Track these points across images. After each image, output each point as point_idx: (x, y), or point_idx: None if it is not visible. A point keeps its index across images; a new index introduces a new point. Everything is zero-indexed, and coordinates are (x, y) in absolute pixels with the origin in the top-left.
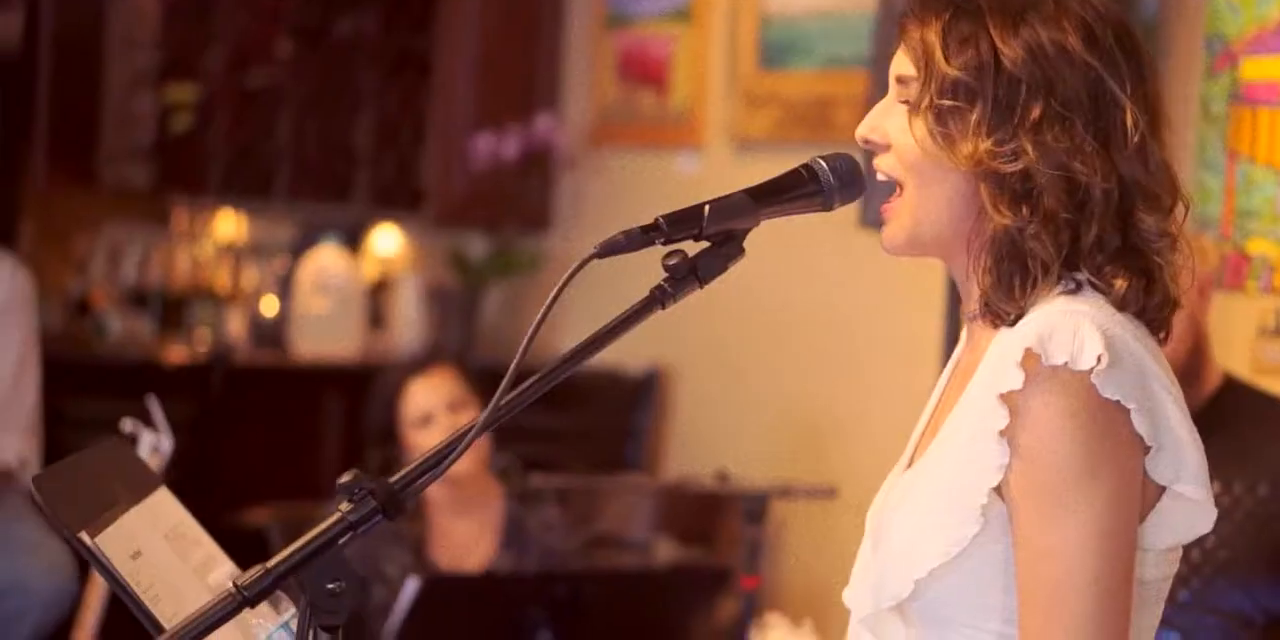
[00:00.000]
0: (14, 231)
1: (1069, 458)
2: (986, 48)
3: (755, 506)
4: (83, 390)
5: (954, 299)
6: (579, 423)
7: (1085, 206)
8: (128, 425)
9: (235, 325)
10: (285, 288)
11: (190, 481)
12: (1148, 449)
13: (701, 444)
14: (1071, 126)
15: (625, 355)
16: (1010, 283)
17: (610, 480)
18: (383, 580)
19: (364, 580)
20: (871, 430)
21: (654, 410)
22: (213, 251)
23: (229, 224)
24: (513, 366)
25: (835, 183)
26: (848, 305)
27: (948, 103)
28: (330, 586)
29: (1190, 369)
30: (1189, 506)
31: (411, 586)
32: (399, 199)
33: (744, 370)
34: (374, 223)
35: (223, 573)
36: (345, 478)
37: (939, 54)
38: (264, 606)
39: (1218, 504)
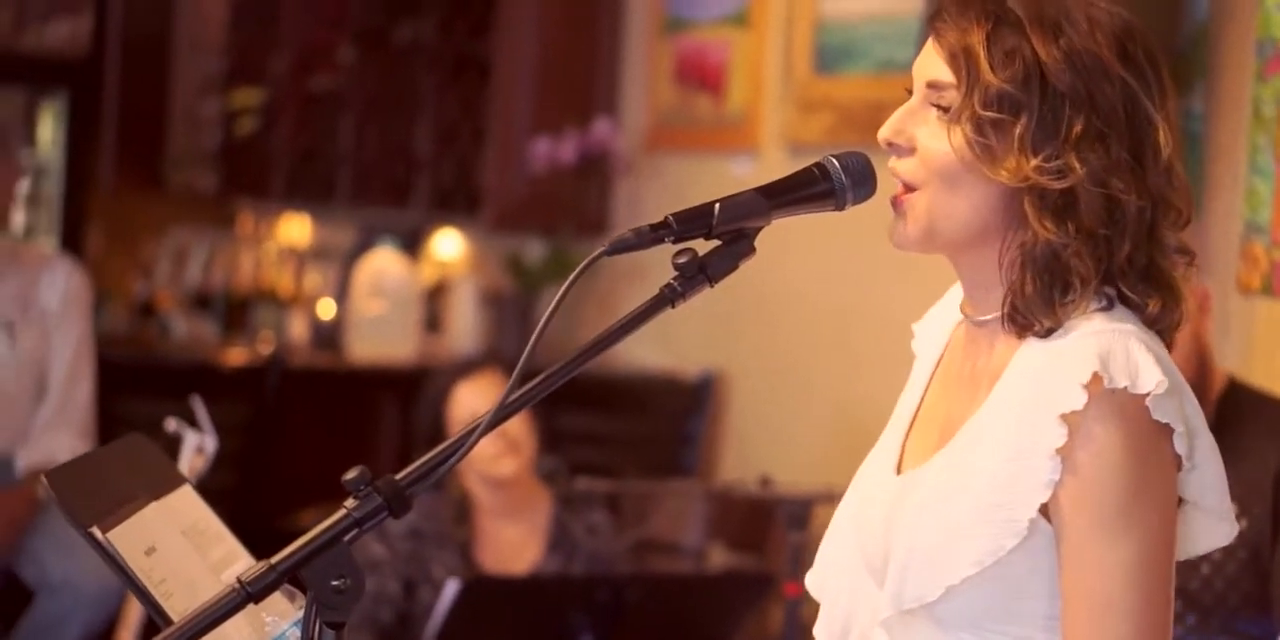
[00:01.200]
0: (82, 235)
1: (1126, 479)
2: (1031, 60)
3: (798, 512)
4: (144, 391)
5: None
6: (635, 428)
7: (1120, 223)
8: (171, 425)
9: (297, 328)
10: (343, 291)
11: (245, 483)
12: (1181, 467)
13: (756, 449)
14: (1109, 142)
15: (681, 360)
16: (1050, 295)
17: (655, 484)
18: (430, 583)
19: (363, 579)
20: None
21: (709, 415)
22: (276, 255)
23: (293, 227)
24: (520, 364)
25: (848, 181)
26: (899, 310)
27: (991, 114)
28: (335, 583)
29: (1197, 384)
30: (1207, 519)
31: (452, 588)
32: (458, 203)
33: (799, 375)
34: (433, 226)
35: (240, 569)
36: (351, 474)
37: (984, 63)
38: (283, 603)
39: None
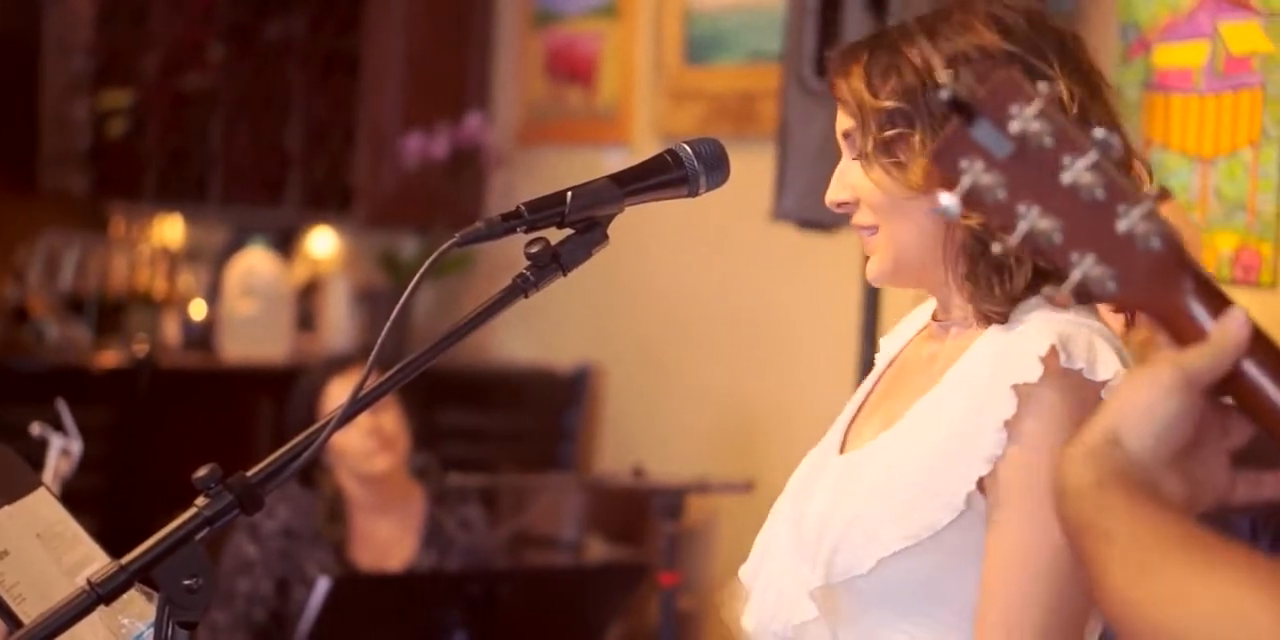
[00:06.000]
0: None
1: None
2: (909, 71)
3: (672, 502)
4: (16, 397)
5: (872, 296)
6: (511, 422)
7: None
8: (36, 429)
9: (170, 329)
10: (215, 291)
11: (118, 485)
12: None
13: (632, 442)
14: None
15: (556, 354)
16: (990, 282)
17: (530, 478)
18: (304, 582)
19: (216, 577)
20: (796, 425)
21: (584, 409)
22: (149, 256)
23: (166, 228)
24: (371, 358)
25: (700, 168)
26: (769, 302)
27: (889, 133)
28: (187, 582)
29: None
30: None
31: (322, 586)
32: (330, 200)
33: (672, 368)
34: (306, 225)
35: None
36: (201, 472)
37: (866, 94)
38: (144, 604)
39: None
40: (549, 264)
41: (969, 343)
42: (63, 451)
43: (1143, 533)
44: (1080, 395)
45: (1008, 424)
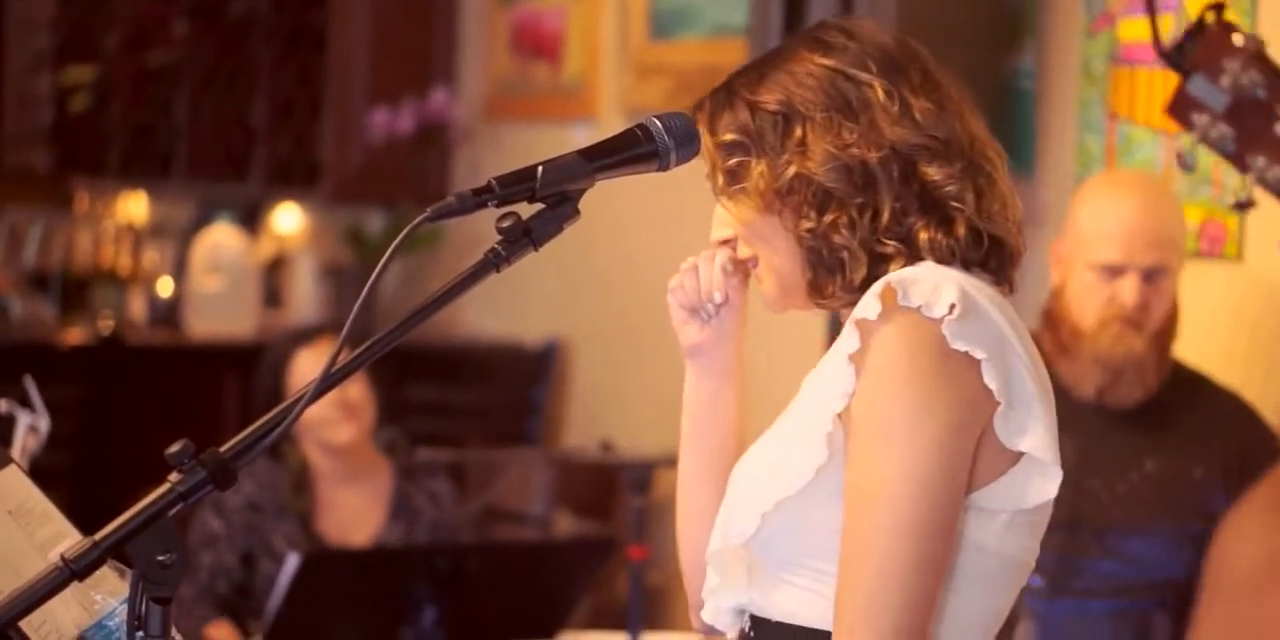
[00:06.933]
0: None
1: (902, 393)
2: (742, 106)
3: (640, 476)
4: None
5: None
6: (479, 397)
7: (873, 184)
8: (3, 406)
9: (135, 306)
10: (181, 268)
11: (85, 462)
12: (997, 405)
13: (600, 417)
14: (829, 122)
15: (524, 329)
16: (828, 283)
17: (498, 453)
18: (270, 555)
19: (189, 553)
20: (764, 400)
21: (553, 383)
22: (114, 233)
23: (130, 205)
24: (344, 332)
25: (671, 142)
26: None
27: (731, 162)
28: (161, 558)
29: (1167, 341)
30: (1038, 470)
31: (292, 562)
32: (296, 176)
33: (641, 343)
34: (272, 201)
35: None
36: (174, 448)
37: (709, 136)
38: (116, 581)
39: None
40: (520, 239)
41: None
42: (30, 428)
43: None
44: (918, 329)
45: (852, 359)
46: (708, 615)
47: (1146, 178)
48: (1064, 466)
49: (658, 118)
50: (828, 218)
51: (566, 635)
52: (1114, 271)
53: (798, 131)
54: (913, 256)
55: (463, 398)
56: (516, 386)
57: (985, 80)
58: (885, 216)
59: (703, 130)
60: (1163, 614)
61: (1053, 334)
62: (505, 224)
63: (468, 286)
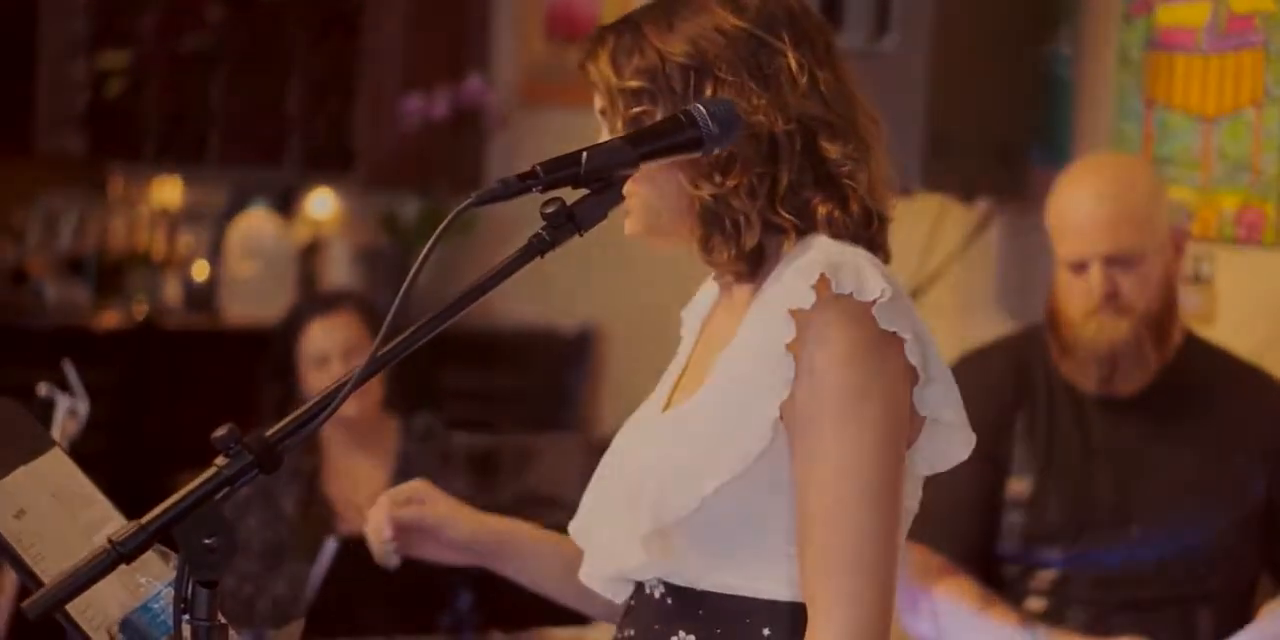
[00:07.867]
0: None
1: (851, 379)
2: (651, 52)
3: None
4: (18, 358)
5: None
6: (514, 383)
7: (775, 154)
8: (43, 389)
9: (170, 290)
10: (216, 252)
11: (122, 446)
12: (917, 380)
13: (636, 402)
14: (740, 86)
15: (559, 314)
16: (721, 247)
17: (534, 438)
18: (278, 515)
19: (235, 537)
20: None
21: (588, 369)
22: (148, 217)
23: (164, 189)
24: (389, 318)
25: (714, 128)
26: None
27: (634, 111)
28: (207, 542)
29: (1162, 323)
30: (948, 433)
31: (330, 547)
32: (330, 161)
33: (676, 328)
34: (307, 186)
35: (112, 530)
36: (220, 432)
37: (613, 75)
38: (159, 565)
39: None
40: (565, 224)
41: (750, 292)
42: (70, 412)
43: None
44: (854, 316)
45: (790, 348)
46: (593, 583)
47: (1110, 161)
48: (1076, 462)
49: (701, 104)
50: (730, 182)
51: (600, 622)
52: (1079, 265)
53: (707, 89)
54: (805, 230)
55: (498, 383)
56: (551, 372)
57: (1021, 67)
58: (783, 187)
59: (600, 66)
60: (1206, 606)
61: (1054, 332)
62: (549, 209)
63: (512, 272)
